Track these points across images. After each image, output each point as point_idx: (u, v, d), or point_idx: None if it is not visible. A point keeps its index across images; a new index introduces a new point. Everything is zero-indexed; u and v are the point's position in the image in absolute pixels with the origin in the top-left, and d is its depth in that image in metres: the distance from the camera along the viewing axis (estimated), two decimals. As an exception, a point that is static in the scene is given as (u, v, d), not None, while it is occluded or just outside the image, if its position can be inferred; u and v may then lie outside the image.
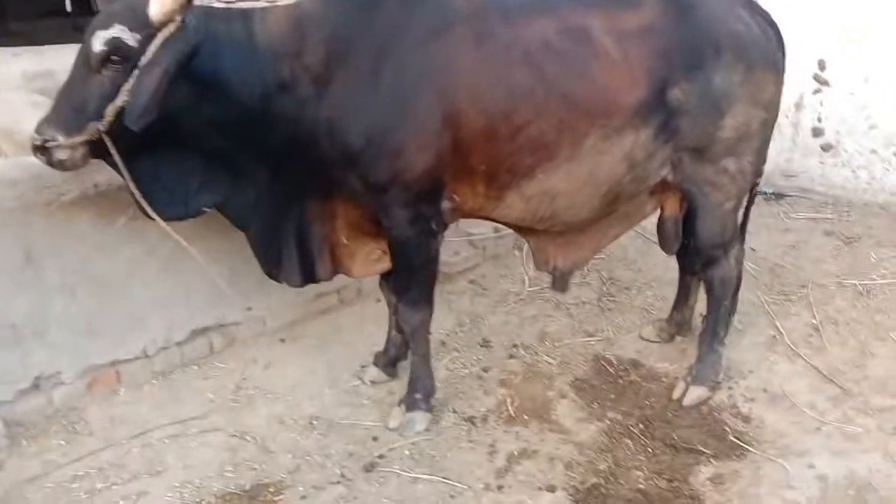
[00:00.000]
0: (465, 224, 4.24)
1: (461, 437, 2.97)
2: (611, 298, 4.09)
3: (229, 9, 2.64)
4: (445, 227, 2.89)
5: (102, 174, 2.83)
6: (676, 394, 3.18)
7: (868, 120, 4.92)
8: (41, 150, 2.36)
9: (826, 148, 5.16)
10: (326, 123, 2.59)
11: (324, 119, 2.59)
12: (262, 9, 2.65)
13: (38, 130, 2.36)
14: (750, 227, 4.78)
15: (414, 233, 2.77)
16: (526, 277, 4.24)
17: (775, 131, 5.19)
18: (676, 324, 3.59)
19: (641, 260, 4.45)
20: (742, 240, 3.33)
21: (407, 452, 2.88)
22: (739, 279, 3.30)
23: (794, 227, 4.81)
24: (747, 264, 4.29)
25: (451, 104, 2.57)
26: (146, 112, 2.27)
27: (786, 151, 5.30)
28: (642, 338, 3.65)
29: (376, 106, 2.57)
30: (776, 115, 2.94)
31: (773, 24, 2.86)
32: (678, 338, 3.61)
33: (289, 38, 2.55)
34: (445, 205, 2.79)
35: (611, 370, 3.42)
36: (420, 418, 3.00)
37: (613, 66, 2.60)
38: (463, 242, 4.38)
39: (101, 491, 2.65)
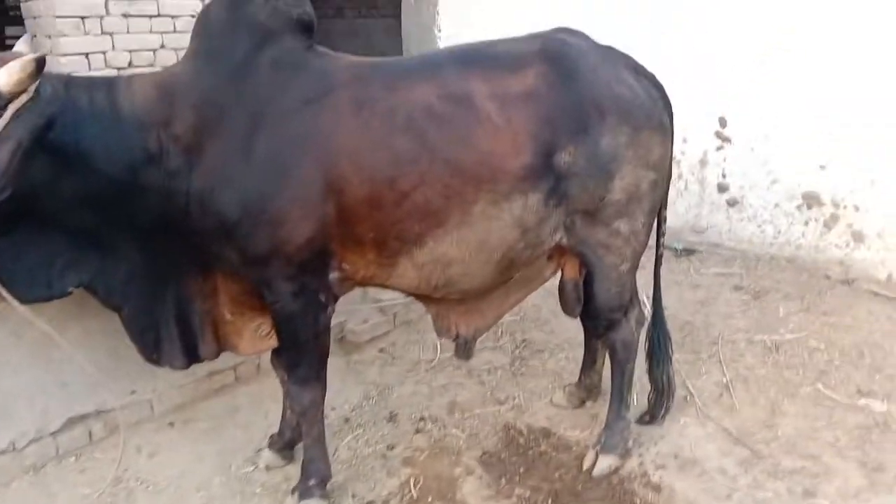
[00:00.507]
0: (375, 290, 4.11)
1: (359, 524, 2.78)
2: (523, 362, 3.99)
3: (91, 77, 2.52)
4: (335, 298, 2.75)
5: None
6: (586, 464, 3.06)
7: (770, 175, 5.04)
8: None
9: (732, 203, 5.26)
10: (199, 194, 2.46)
11: (196, 190, 2.46)
12: (128, 77, 2.55)
13: None
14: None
15: (299, 306, 2.63)
16: (438, 344, 4.10)
17: (683, 187, 5.37)
18: (586, 388, 3.51)
19: (555, 321, 4.37)
20: (658, 305, 3.29)
21: (299, 546, 2.66)
22: (666, 347, 3.26)
23: (704, 283, 4.84)
24: (659, 322, 4.29)
25: (332, 172, 2.48)
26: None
27: (694, 207, 5.38)
28: (553, 404, 3.54)
29: (252, 174, 2.45)
30: (667, 176, 2.93)
31: (658, 86, 2.87)
32: (589, 403, 3.52)
33: (156, 106, 2.44)
34: (334, 275, 2.66)
35: (521, 440, 3.29)
36: (314, 507, 2.79)
37: (497, 131, 2.54)
38: (372, 309, 4.24)
39: None
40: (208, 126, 2.44)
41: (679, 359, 3.88)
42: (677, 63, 5.12)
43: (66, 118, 2.29)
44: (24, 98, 2.18)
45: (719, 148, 5.23)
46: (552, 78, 2.63)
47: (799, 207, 4.96)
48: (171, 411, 3.45)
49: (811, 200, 4.93)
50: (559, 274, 3.03)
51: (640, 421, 3.26)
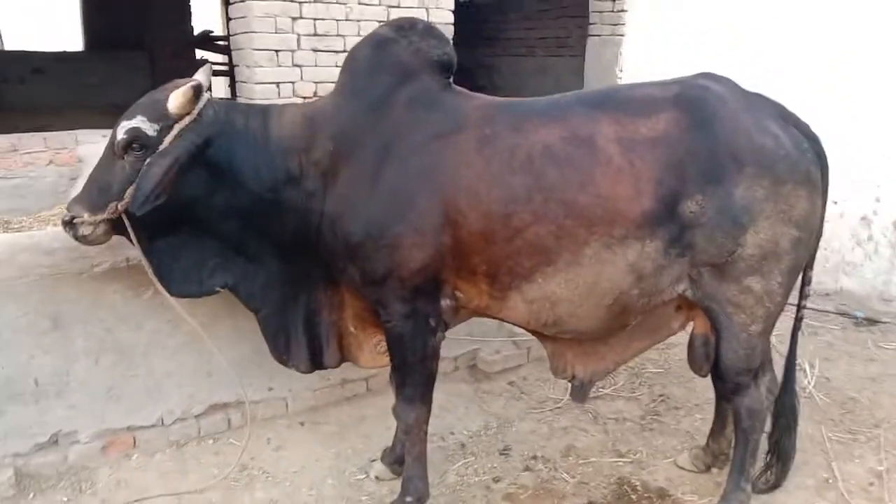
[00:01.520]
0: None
1: (446, 549, 2.81)
2: (655, 417, 3.81)
3: (250, 104, 2.81)
4: (446, 325, 2.84)
5: (135, 249, 3.02)
6: (697, 533, 2.87)
7: (976, 244, 4.42)
8: (69, 225, 2.58)
9: (928, 272, 4.67)
10: (330, 215, 2.67)
11: (328, 211, 2.67)
12: (280, 105, 2.81)
13: (68, 207, 2.60)
14: (830, 354, 4.45)
15: (410, 328, 2.74)
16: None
17: (873, 250, 4.86)
18: (713, 453, 3.27)
19: (700, 379, 4.09)
20: (791, 371, 3.03)
21: (387, 558, 2.75)
22: (794, 416, 3.02)
23: (882, 358, 4.32)
24: (817, 395, 3.92)
25: (451, 205, 2.57)
26: (150, 198, 2.43)
27: (883, 273, 4.84)
28: (677, 465, 3.35)
29: (377, 202, 2.61)
30: (813, 234, 2.69)
31: (811, 137, 2.65)
32: (715, 469, 3.28)
33: (300, 134, 2.67)
34: (446, 302, 2.75)
35: (633, 497, 3.14)
36: (409, 523, 2.87)
37: (616, 175, 2.50)
38: (506, 341, 4.26)
39: (81, 552, 2.72)
40: (344, 155, 2.64)
41: (831, 437, 3.54)
42: (874, 112, 4.69)
43: (222, 139, 2.59)
44: (187, 119, 2.50)
45: (917, 209, 4.67)
46: (685, 124, 2.54)
47: None
48: (304, 411, 3.71)
49: None
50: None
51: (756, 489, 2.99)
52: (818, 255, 2.79)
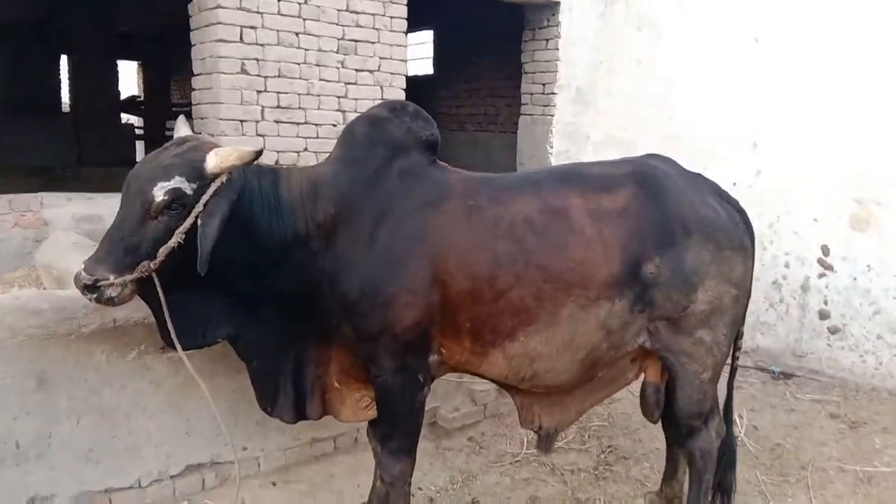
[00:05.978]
0: (469, 380, 4.37)
1: None
2: (607, 467, 4.08)
3: (260, 165, 2.98)
4: (432, 379, 3.04)
5: (122, 310, 3.09)
6: (658, 570, 3.12)
7: (872, 306, 5.02)
8: (91, 288, 2.49)
9: (833, 330, 5.23)
10: (329, 274, 2.83)
11: (328, 270, 2.84)
12: (287, 168, 3.01)
13: (88, 270, 2.50)
14: (754, 405, 4.87)
15: (399, 382, 2.92)
16: (525, 439, 4.27)
17: (784, 311, 5.41)
18: (667, 498, 3.56)
19: (643, 430, 4.45)
20: (729, 416, 3.39)
21: None
22: (733, 455, 3.36)
23: (800, 408, 4.79)
24: (748, 442, 4.31)
25: (440, 266, 2.81)
26: (208, 256, 2.48)
27: (794, 332, 5.38)
28: (633, 510, 3.63)
29: (372, 263, 2.81)
30: (747, 293, 3.10)
31: (740, 211, 3.11)
32: (669, 512, 3.57)
33: (307, 196, 2.84)
34: (433, 357, 2.96)
35: (594, 543, 3.38)
36: (389, 576, 2.99)
37: (588, 242, 2.83)
38: (465, 399, 4.48)
39: None
40: (343, 218, 2.83)
41: (766, 480, 3.90)
42: (784, 191, 5.32)
43: (244, 197, 2.68)
44: (223, 178, 2.58)
45: (821, 275, 5.26)
46: (642, 198, 2.92)
47: (902, 340, 4.89)
48: (275, 471, 3.78)
49: (917, 335, 4.86)
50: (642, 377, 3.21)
51: None
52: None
